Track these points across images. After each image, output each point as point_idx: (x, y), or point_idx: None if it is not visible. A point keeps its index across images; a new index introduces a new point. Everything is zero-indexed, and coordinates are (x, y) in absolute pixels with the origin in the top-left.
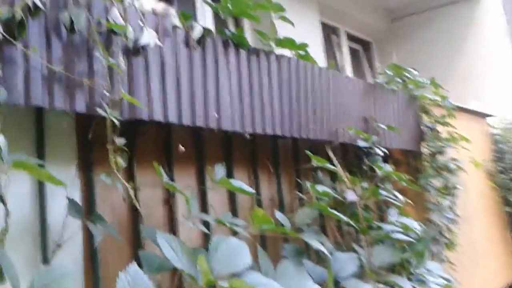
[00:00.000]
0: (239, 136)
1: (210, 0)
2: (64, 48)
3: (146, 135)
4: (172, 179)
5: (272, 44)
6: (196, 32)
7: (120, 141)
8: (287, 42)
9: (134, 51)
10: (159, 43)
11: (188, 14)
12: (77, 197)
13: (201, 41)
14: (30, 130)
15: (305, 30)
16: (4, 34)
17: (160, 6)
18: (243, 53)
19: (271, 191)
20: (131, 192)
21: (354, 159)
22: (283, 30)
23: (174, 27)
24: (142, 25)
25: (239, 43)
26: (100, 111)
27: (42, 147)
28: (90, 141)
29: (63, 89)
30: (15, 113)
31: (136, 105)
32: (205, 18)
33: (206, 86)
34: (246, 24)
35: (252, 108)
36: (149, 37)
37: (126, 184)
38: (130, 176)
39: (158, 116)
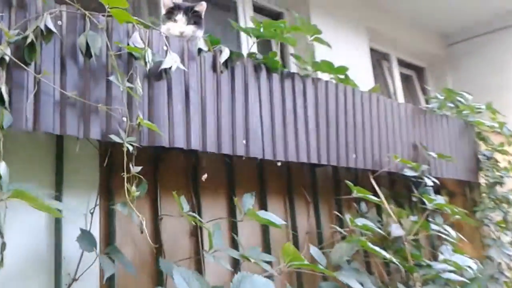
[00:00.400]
0: (273, 163)
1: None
2: (80, 72)
3: (172, 162)
4: (199, 209)
5: (309, 67)
6: (224, 56)
7: (135, 169)
8: (325, 66)
9: (156, 75)
10: (182, 66)
11: (216, 39)
12: (96, 227)
13: (228, 65)
14: (49, 155)
15: (354, 56)
16: (13, 58)
17: (189, 29)
18: (275, 77)
19: (308, 223)
20: (146, 223)
21: (402, 189)
22: (330, 56)
23: (200, 50)
24: (165, 48)
25: (271, 66)
26: (115, 138)
27: (61, 174)
28: (112, 169)
29: (77, 115)
30: (34, 137)
31: (156, 131)
32: (248, 43)
33: (234, 111)
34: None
35: (284, 134)
36: (171, 61)
37: (138, 214)
38: (155, 205)
39: (180, 143)
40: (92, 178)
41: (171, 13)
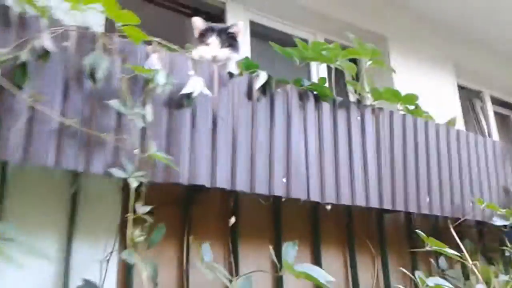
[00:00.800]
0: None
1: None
2: (85, 98)
3: (207, 203)
4: (236, 259)
5: (368, 96)
6: (260, 81)
7: (142, 209)
8: (389, 93)
9: (177, 102)
10: (207, 92)
11: (254, 63)
12: (113, 278)
13: (267, 91)
14: (64, 192)
15: (440, 94)
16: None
17: (223, 53)
18: (326, 106)
19: (373, 281)
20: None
21: (493, 242)
22: (417, 92)
23: (231, 75)
24: (191, 73)
25: (320, 94)
26: (116, 172)
27: (74, 214)
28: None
29: (76, 146)
30: (49, 172)
31: (172, 166)
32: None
33: (273, 144)
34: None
35: (336, 172)
36: (194, 86)
37: (140, 264)
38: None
39: (203, 180)
40: (111, 219)
41: (203, 36)
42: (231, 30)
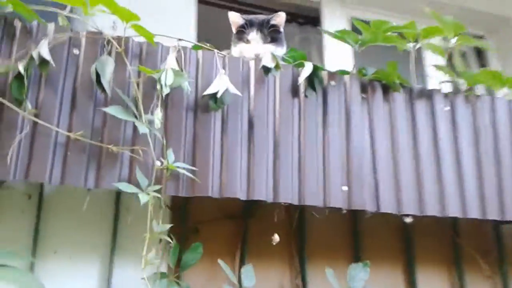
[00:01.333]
0: (422, 218)
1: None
2: (96, 109)
3: (265, 218)
4: (304, 281)
5: (461, 80)
6: (304, 73)
7: (161, 227)
8: (488, 76)
9: (203, 105)
10: (235, 91)
11: (301, 53)
12: None
13: (317, 86)
14: (109, 210)
15: None
16: None
17: (266, 50)
18: (399, 97)
19: None
20: None
21: None
22: None
23: (267, 70)
24: (222, 71)
25: (390, 83)
26: (123, 186)
27: (115, 233)
28: (192, 227)
29: (85, 160)
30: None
31: (195, 179)
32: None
33: (328, 147)
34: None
35: (418, 177)
36: (218, 85)
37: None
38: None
39: (235, 192)
40: None
41: (242, 32)
42: (273, 22)
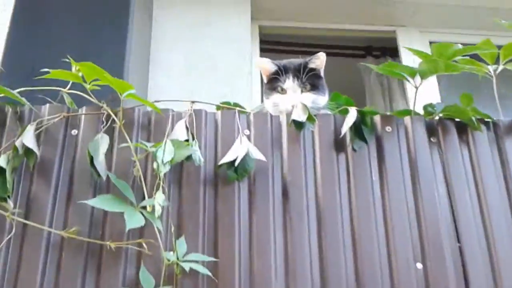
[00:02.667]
0: None
1: None
2: (90, 196)
3: None
4: None
5: None
6: (348, 121)
7: None
8: None
9: (221, 177)
10: (259, 155)
11: (346, 98)
12: None
13: (367, 135)
14: None
15: None
16: None
17: (306, 99)
18: (481, 137)
19: None
20: None
21: None
22: None
23: (299, 124)
24: (247, 132)
25: (467, 120)
26: None
27: None
28: None
29: (77, 262)
30: None
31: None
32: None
33: (389, 213)
34: None
35: None
36: (237, 151)
37: None
38: None
39: None
40: None
41: (276, 80)
42: (312, 65)
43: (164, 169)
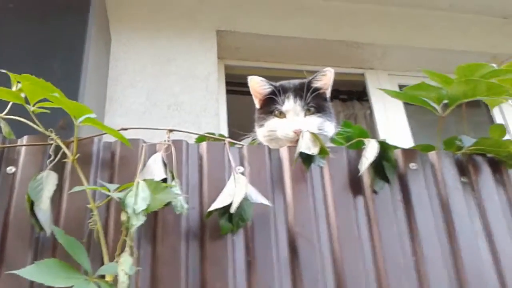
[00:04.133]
0: None
1: None
2: (29, 258)
3: None
4: None
5: None
6: (369, 156)
7: None
8: None
9: (209, 226)
10: (259, 199)
11: (358, 128)
12: None
13: (389, 174)
14: None
15: None
16: None
17: (311, 124)
18: None
19: None
20: None
21: None
22: None
23: (309, 158)
24: (240, 169)
25: (501, 156)
26: None
27: None
28: None
29: None
30: None
31: None
32: None
33: (422, 267)
34: None
35: None
36: (232, 194)
37: None
38: None
39: None
40: None
41: (271, 102)
42: (316, 84)
43: (136, 222)
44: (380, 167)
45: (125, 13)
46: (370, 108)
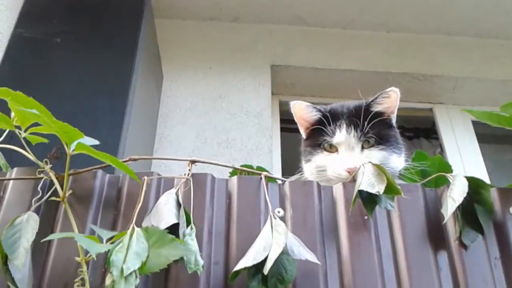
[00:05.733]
0: None
1: None
2: None
3: None
4: None
5: None
6: (456, 198)
7: None
8: None
9: None
10: (307, 255)
11: (439, 159)
12: None
13: (483, 219)
14: None
15: None
16: None
17: (372, 159)
18: None
19: None
20: None
21: None
22: None
23: (376, 198)
24: (279, 212)
25: None
26: None
27: None
28: None
29: None
30: None
31: None
32: None
33: None
34: None
35: None
36: (266, 248)
37: None
38: None
39: None
40: None
41: (319, 133)
42: (377, 108)
43: (124, 286)
44: (471, 212)
45: (177, 51)
46: (440, 146)
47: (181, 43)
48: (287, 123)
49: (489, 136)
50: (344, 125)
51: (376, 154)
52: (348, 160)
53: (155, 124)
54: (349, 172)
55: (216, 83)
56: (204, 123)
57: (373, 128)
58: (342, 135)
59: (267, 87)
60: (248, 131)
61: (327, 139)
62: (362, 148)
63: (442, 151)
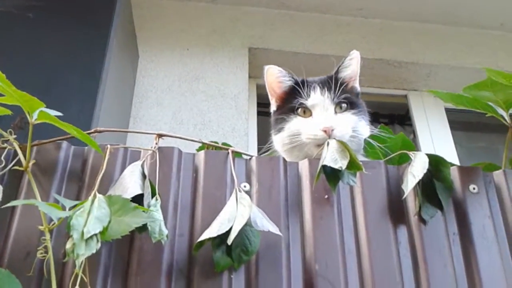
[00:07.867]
0: None
1: None
2: None
3: None
4: None
5: None
6: (417, 172)
7: None
8: None
9: (200, 262)
10: (269, 226)
11: (401, 137)
12: None
13: (444, 194)
14: None
15: None
16: None
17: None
18: None
19: None
20: None
21: None
22: None
23: (336, 174)
24: (245, 186)
25: None
26: None
27: None
28: None
29: None
30: None
31: None
32: None
33: None
34: None
35: None
36: (231, 219)
37: None
38: None
39: None
40: None
41: (293, 98)
42: (345, 72)
43: (84, 251)
44: (430, 188)
45: (153, 30)
46: (413, 132)
47: (158, 23)
48: (264, 107)
49: (461, 124)
50: (318, 88)
51: (348, 118)
52: (323, 120)
53: (130, 104)
54: (325, 131)
55: (193, 65)
56: (180, 105)
57: (344, 93)
58: (316, 96)
59: (245, 70)
60: (225, 114)
61: (301, 101)
62: (335, 112)
63: (415, 137)
